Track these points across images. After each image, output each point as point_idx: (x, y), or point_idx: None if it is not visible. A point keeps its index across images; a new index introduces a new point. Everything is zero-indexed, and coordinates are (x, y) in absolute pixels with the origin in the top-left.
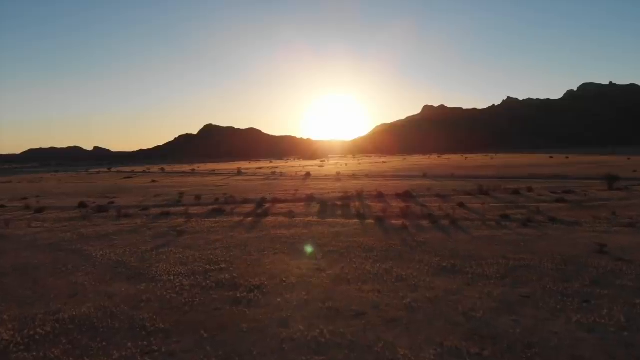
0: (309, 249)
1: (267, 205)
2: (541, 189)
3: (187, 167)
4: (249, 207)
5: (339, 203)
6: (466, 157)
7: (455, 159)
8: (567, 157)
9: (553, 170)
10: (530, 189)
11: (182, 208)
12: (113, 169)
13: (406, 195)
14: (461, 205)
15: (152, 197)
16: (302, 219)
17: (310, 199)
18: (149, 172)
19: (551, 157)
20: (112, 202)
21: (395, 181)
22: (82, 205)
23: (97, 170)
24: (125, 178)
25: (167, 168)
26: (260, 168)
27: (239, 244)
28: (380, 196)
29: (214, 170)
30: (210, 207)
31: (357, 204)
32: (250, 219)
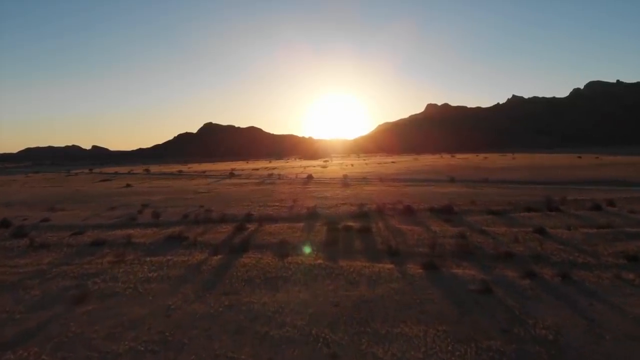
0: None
1: (250, 228)
2: (621, 201)
3: (175, 168)
4: (224, 231)
5: (354, 225)
6: (486, 157)
7: (472, 159)
8: (597, 157)
9: (596, 173)
10: (611, 203)
11: (129, 231)
12: (95, 170)
13: (447, 211)
14: (541, 232)
15: (106, 210)
16: (299, 259)
17: (312, 215)
18: (133, 174)
19: (579, 157)
20: (48, 219)
21: (418, 187)
22: (4, 223)
23: (77, 171)
24: (101, 181)
25: (163, 168)
26: (257, 169)
27: (169, 341)
28: (409, 212)
29: (204, 172)
30: (169, 231)
31: (380, 225)
32: (218, 257)
